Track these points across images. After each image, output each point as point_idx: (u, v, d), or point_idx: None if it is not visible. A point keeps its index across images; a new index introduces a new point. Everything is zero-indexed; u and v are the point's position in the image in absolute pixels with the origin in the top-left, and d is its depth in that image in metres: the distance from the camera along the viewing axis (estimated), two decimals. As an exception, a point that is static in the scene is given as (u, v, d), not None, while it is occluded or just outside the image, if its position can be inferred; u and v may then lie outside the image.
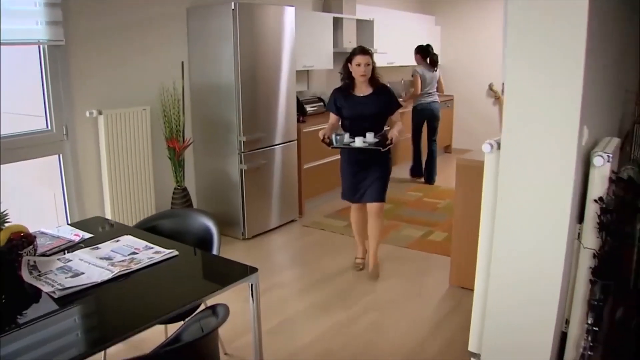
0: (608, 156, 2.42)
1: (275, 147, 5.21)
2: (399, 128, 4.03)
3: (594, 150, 2.51)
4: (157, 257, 2.45)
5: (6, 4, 3.58)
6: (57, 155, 4.19)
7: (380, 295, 3.96)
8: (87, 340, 1.86)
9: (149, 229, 2.87)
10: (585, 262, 2.55)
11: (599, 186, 2.45)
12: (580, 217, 2.57)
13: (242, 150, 4.85)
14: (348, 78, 4.02)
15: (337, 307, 3.80)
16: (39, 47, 3.97)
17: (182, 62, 4.83)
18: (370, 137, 3.88)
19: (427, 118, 6.98)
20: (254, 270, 2.28)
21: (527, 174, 2.46)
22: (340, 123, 4.18)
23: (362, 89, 4.02)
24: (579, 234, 2.54)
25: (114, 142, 4.31)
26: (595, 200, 2.45)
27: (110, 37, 4.33)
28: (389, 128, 4.12)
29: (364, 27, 6.96)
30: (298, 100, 5.86)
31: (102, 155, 4.30)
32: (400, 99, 8.33)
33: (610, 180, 2.40)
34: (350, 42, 6.63)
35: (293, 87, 5.35)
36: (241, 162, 4.87)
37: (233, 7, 4.63)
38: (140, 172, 4.49)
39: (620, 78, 4.37)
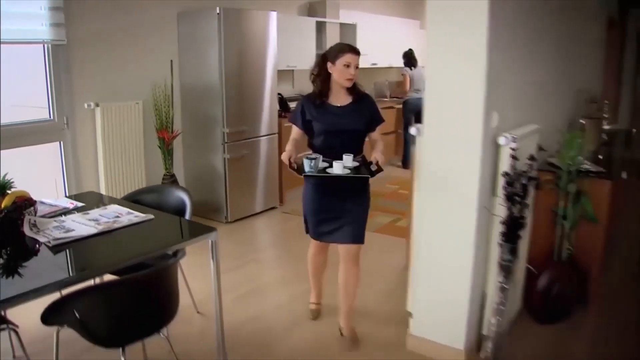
0: (513, 137, 2.91)
1: (257, 139, 5.72)
2: (382, 148, 3.16)
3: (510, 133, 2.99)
4: (136, 220, 2.95)
5: (15, 8, 4.11)
6: (58, 143, 4.70)
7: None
8: (75, 271, 2.37)
9: (134, 202, 3.38)
10: (497, 228, 3.03)
11: (505, 162, 2.94)
12: (494, 190, 3.05)
13: (226, 141, 5.35)
14: (324, 83, 3.15)
15: (305, 279, 4.29)
16: (43, 46, 4.48)
17: (171, 61, 5.34)
18: (348, 160, 3.01)
19: (415, 111, 7.61)
20: (212, 229, 2.78)
21: (443, 154, 2.95)
22: (307, 141, 3.28)
23: (340, 98, 3.16)
24: (493, 205, 3.02)
25: (109, 132, 4.82)
26: (502, 174, 2.93)
27: (107, 37, 4.84)
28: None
29: (347, 30, 7.48)
30: (282, 98, 6.37)
31: (99, 143, 4.81)
32: (385, 99, 8.89)
33: (513, 157, 2.89)
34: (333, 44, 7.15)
35: (275, 85, 5.85)
36: (225, 152, 5.37)
37: (218, 12, 5.13)
38: (132, 159, 5.00)
39: (572, 79, 4.86)
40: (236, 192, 5.53)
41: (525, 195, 2.95)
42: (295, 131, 3.22)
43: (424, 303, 3.25)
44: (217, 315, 2.93)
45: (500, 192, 2.93)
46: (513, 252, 3.00)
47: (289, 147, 3.10)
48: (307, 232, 3.41)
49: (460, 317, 3.12)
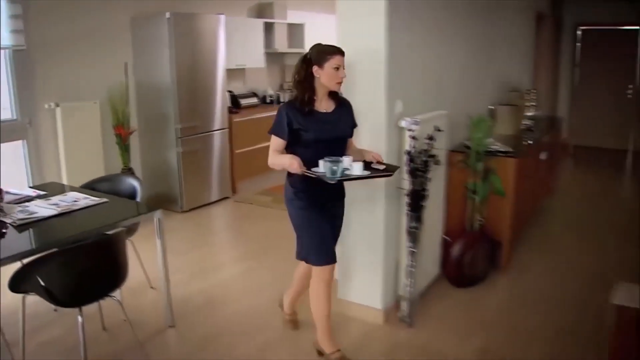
0: (414, 121, 3.40)
1: (210, 133, 6.16)
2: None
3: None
4: (92, 203, 3.40)
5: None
6: (22, 141, 5.09)
7: (288, 250, 4.89)
8: (36, 244, 2.82)
9: (91, 189, 3.81)
10: (404, 200, 3.54)
11: (407, 142, 3.44)
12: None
13: (179, 136, 5.79)
14: (310, 88, 2.93)
15: (252, 257, 4.76)
16: (4, 51, 4.87)
17: (126, 63, 5.75)
18: (348, 162, 2.85)
19: None
20: (157, 208, 3.24)
21: (355, 136, 3.41)
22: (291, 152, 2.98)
23: (324, 104, 3.00)
24: (402, 180, 3.52)
25: (69, 130, 5.21)
26: (405, 152, 3.44)
27: (66, 42, 5.23)
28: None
29: (295, 30, 7.95)
30: (233, 95, 6.82)
31: (60, 140, 5.20)
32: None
33: (412, 138, 3.39)
34: (282, 44, 7.62)
35: (225, 83, 6.30)
36: (178, 146, 5.80)
37: (168, 17, 5.56)
38: (92, 155, 5.40)
39: (497, 70, 5.41)
40: (190, 183, 5.96)
41: (426, 170, 3.46)
42: (280, 143, 2.93)
43: (346, 269, 3.75)
44: (165, 285, 3.41)
45: (404, 168, 3.43)
46: (418, 219, 3.51)
47: (288, 157, 2.84)
48: (304, 258, 3.14)
49: (377, 280, 3.62)
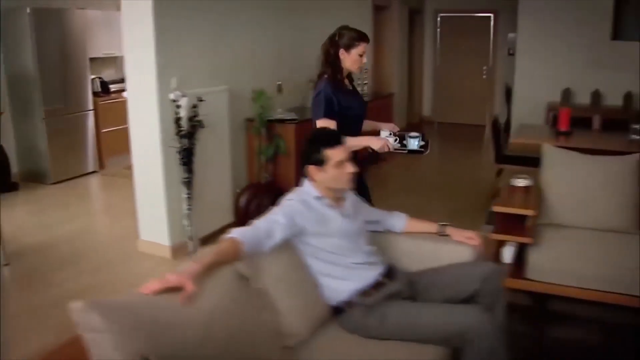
0: (181, 94, 4.33)
1: (75, 115, 7.01)
2: None
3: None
4: None
5: None
6: None
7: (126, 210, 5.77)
8: None
9: None
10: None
11: (183, 111, 4.36)
12: (177, 131, 4.49)
13: (43, 117, 6.61)
14: (338, 69, 3.12)
15: (100, 218, 5.66)
16: None
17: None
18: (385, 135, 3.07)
19: None
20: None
21: (140, 107, 4.33)
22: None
23: (346, 84, 3.22)
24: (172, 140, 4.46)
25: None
26: (174, 120, 4.38)
27: None
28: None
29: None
30: (103, 81, 7.67)
31: None
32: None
33: (178, 106, 4.33)
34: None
35: (89, 71, 7.14)
36: (44, 126, 6.63)
37: (28, 12, 6.37)
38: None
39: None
40: (57, 159, 6.79)
41: (194, 133, 4.41)
42: (334, 125, 3.01)
43: (143, 215, 4.69)
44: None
45: (172, 129, 4.38)
46: (189, 171, 4.47)
47: (373, 138, 3.04)
48: None
49: (163, 222, 4.57)
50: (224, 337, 1.97)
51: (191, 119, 4.37)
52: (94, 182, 7.07)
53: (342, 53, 3.09)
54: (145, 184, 4.56)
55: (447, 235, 2.91)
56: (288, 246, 2.52)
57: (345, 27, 3.14)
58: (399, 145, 3.05)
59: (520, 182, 3.96)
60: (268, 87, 5.41)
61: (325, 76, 3.11)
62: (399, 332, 2.42)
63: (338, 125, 3.01)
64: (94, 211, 5.89)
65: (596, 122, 6.38)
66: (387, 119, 7.98)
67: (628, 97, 8.30)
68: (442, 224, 2.92)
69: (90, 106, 7.21)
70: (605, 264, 3.48)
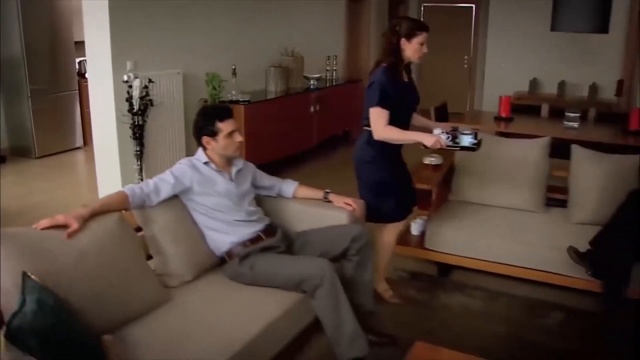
0: (134, 75, 4.82)
1: (59, 94, 7.52)
2: None
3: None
4: None
5: None
6: None
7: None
8: None
9: None
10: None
11: (131, 91, 4.85)
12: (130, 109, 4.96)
13: (29, 95, 7.14)
14: (399, 59, 3.18)
15: (75, 188, 6.17)
16: None
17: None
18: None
19: None
20: None
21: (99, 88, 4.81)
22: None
23: (403, 75, 3.27)
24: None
25: None
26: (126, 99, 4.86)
27: None
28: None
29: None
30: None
31: None
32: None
33: (130, 87, 4.82)
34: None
35: (73, 53, 7.64)
36: (31, 104, 7.16)
37: (15, -2, 6.89)
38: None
39: (276, 41, 6.82)
40: (42, 135, 7.33)
41: (145, 111, 4.89)
42: (387, 115, 3.13)
43: (102, 183, 5.20)
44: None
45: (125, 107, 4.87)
46: (141, 144, 4.95)
47: (426, 135, 3.13)
48: (387, 219, 3.49)
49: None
50: (95, 267, 2.43)
51: (142, 98, 4.83)
52: (78, 156, 7.59)
53: (403, 42, 3.13)
54: (103, 156, 5.07)
55: (330, 201, 3.33)
56: (178, 202, 2.99)
57: (404, 17, 3.27)
58: (451, 142, 3.16)
59: (431, 161, 4.33)
60: (224, 70, 5.83)
61: (384, 65, 3.17)
62: (263, 279, 2.88)
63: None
64: (71, 182, 6.40)
65: (544, 110, 6.74)
66: (359, 103, 8.42)
67: (593, 88, 8.63)
68: (327, 191, 3.36)
69: (76, 87, 7.72)
70: (501, 238, 3.86)
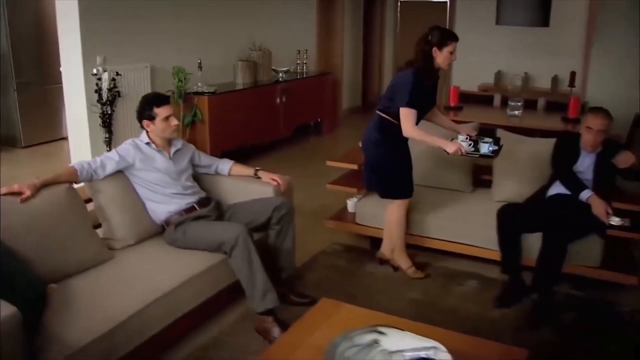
0: (102, 69, 5.30)
1: (45, 87, 7.99)
2: None
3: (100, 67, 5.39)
4: None
5: None
6: None
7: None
8: None
9: None
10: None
11: (100, 83, 5.34)
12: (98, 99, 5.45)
13: (15, 88, 7.63)
14: (432, 65, 3.54)
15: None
16: None
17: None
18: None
19: None
20: None
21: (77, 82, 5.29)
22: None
23: (430, 79, 3.65)
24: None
25: None
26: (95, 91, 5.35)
27: None
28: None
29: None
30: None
31: None
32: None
33: (98, 79, 5.30)
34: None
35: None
36: (15, 96, 7.65)
37: (1, -3, 7.36)
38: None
39: (245, 36, 7.28)
40: (29, 126, 7.82)
41: (113, 102, 5.37)
42: (415, 114, 3.53)
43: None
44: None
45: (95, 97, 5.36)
46: (109, 132, 5.44)
47: (449, 142, 3.56)
48: (398, 196, 3.87)
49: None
50: (44, 227, 2.91)
51: (110, 90, 5.31)
52: (64, 146, 8.06)
53: (434, 51, 3.47)
54: (77, 142, 5.55)
55: (259, 177, 3.82)
56: (123, 176, 3.48)
57: (435, 27, 3.54)
58: (472, 149, 3.52)
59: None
60: (192, 64, 6.30)
61: (414, 66, 3.51)
62: (192, 242, 3.37)
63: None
64: (53, 169, 6.77)
65: (497, 100, 7.20)
66: (334, 96, 8.91)
67: (555, 79, 9.08)
68: (257, 169, 3.85)
69: (61, 80, 8.16)
70: (427, 214, 4.30)
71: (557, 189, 3.92)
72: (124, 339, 2.70)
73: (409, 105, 3.48)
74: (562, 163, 3.92)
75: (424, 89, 3.55)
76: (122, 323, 2.69)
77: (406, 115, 3.51)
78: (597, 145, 3.72)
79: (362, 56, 11.13)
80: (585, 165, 3.83)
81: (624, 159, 3.64)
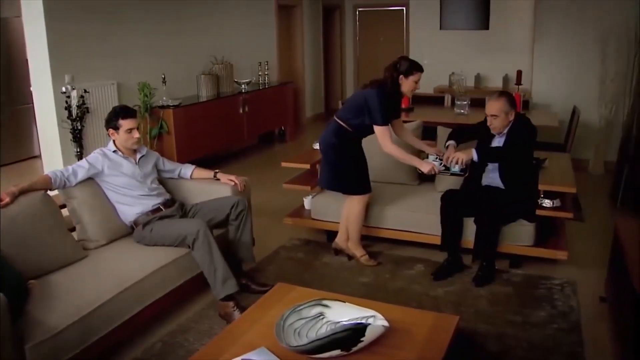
0: (71, 87, 5.65)
1: (17, 108, 8.29)
2: None
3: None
4: None
5: None
6: None
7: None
8: None
9: None
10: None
11: (69, 100, 5.68)
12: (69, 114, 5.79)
13: (-13, 110, 7.93)
14: (396, 90, 3.97)
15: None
16: None
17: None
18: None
19: None
20: None
21: (47, 100, 5.61)
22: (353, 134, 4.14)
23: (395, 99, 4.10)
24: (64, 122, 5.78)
25: None
26: (64, 107, 5.69)
27: None
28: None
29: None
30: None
31: None
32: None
33: (67, 97, 5.64)
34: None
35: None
36: (-12, 118, 7.95)
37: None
38: None
39: (207, 50, 7.64)
40: (1, 145, 8.09)
41: (83, 117, 5.72)
42: (389, 131, 4.04)
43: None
44: None
45: (65, 114, 5.70)
46: (80, 146, 5.78)
47: (424, 162, 4.09)
48: (359, 192, 4.25)
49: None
50: (22, 229, 3.23)
51: (79, 106, 5.66)
52: (36, 164, 8.35)
53: (401, 79, 3.86)
54: (49, 157, 5.87)
55: (218, 179, 4.21)
56: (94, 182, 3.84)
57: (404, 57, 4.00)
58: (443, 168, 3.94)
59: (315, 146, 5.15)
60: (156, 79, 6.67)
61: (385, 85, 3.93)
62: (159, 238, 3.74)
63: (367, 125, 3.95)
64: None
65: (447, 100, 7.66)
66: (295, 104, 9.32)
67: (505, 79, 9.58)
68: (216, 171, 4.24)
69: (31, 101, 8.45)
70: (378, 205, 4.67)
71: (488, 180, 4.35)
72: (99, 323, 3.06)
73: (384, 123, 3.89)
74: (480, 145, 4.27)
75: (390, 104, 3.97)
76: (97, 308, 3.06)
77: (383, 133, 3.90)
78: (498, 128, 4.02)
79: (323, 64, 11.55)
80: (496, 145, 4.21)
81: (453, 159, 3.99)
